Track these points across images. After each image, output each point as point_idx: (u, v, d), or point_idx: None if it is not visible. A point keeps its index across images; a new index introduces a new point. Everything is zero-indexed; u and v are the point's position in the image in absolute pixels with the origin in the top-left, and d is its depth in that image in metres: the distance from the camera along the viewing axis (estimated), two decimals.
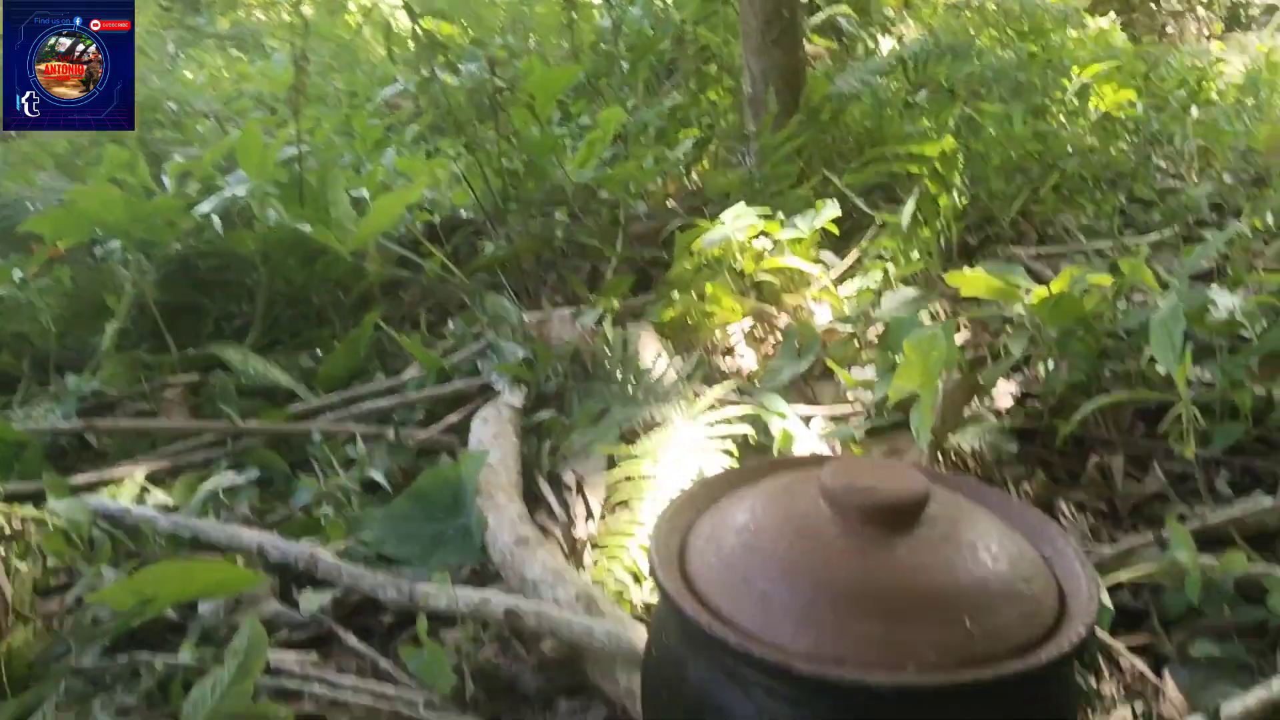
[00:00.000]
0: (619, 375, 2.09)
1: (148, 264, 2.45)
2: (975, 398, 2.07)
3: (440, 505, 1.84)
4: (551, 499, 1.86)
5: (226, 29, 6.85)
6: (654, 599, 1.60)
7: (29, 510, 1.82)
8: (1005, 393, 2.17)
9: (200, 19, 6.93)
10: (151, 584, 1.55)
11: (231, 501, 1.93)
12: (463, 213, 3.17)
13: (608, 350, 2.16)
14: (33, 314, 2.48)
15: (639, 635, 1.39)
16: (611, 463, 1.92)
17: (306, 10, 5.81)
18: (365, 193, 2.95)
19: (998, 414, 2.08)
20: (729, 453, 1.84)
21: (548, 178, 3.01)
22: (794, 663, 0.85)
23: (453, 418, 2.14)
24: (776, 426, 2.00)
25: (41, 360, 2.47)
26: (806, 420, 2.09)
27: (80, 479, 2.03)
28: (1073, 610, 0.94)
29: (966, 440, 1.87)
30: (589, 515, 1.80)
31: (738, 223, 2.52)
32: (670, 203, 3.40)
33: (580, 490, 1.85)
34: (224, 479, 1.92)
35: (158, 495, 1.98)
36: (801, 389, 2.29)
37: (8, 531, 1.78)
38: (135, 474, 2.02)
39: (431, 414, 2.20)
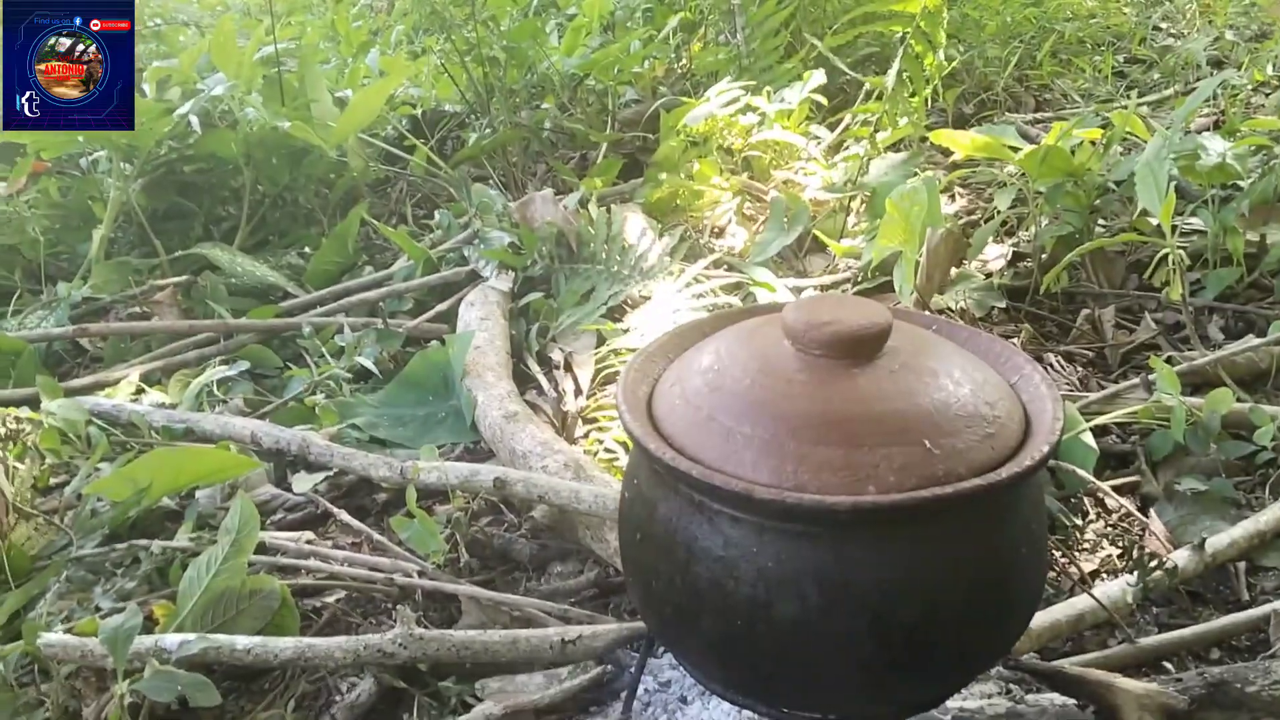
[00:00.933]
0: (604, 254, 2.07)
1: (131, 170, 2.43)
2: (965, 260, 2.05)
3: (430, 388, 1.86)
4: (540, 377, 1.86)
5: None
6: None
7: (24, 411, 1.83)
8: (996, 255, 2.15)
9: None
10: (146, 473, 1.57)
11: (226, 395, 1.94)
12: (447, 107, 3.13)
13: (592, 230, 2.14)
14: (20, 226, 2.47)
15: None
16: (600, 340, 1.93)
17: None
18: (350, 93, 2.91)
19: (988, 276, 2.06)
20: None
21: (531, 65, 2.96)
22: (754, 490, 0.85)
23: (441, 306, 2.14)
24: (764, 298, 1.99)
25: (33, 271, 2.47)
26: (797, 292, 2.08)
27: (76, 383, 2.04)
28: (1037, 431, 0.94)
29: (954, 299, 1.86)
30: (578, 391, 1.80)
31: (722, 97, 2.48)
32: (660, 87, 3.34)
33: (569, 367, 1.85)
34: (215, 372, 1.93)
35: (154, 395, 2.00)
36: (792, 262, 2.28)
37: (3, 433, 1.80)
38: (130, 375, 2.03)
39: (421, 304, 2.20)
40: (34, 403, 1.94)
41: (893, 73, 2.23)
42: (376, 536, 1.52)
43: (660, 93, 3.25)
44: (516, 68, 2.94)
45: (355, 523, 1.56)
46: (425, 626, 1.28)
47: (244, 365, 1.96)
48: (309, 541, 1.51)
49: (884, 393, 0.91)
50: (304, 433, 1.70)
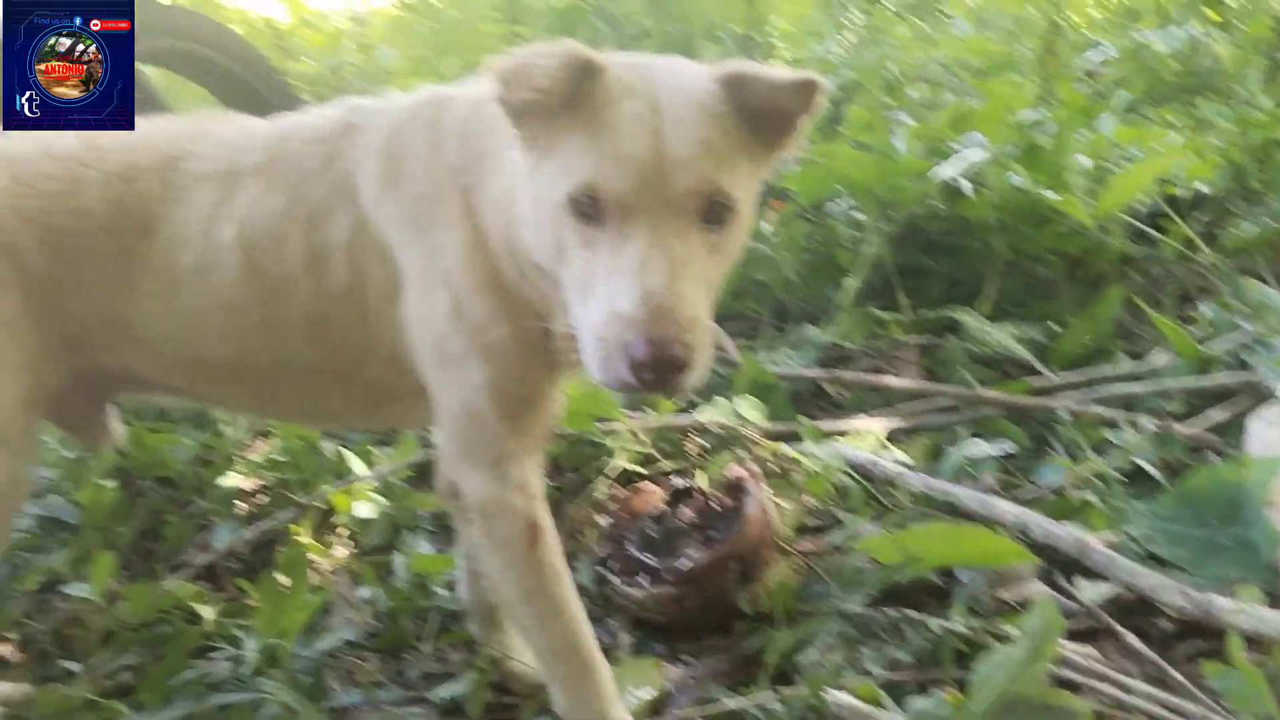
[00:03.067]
0: None
1: (890, 226, 2.49)
2: None
3: (1213, 510, 1.66)
4: None
5: None
6: None
7: (789, 450, 1.92)
8: None
9: None
10: (920, 543, 1.56)
11: (974, 470, 1.89)
12: (1203, 188, 2.85)
13: None
14: (774, 265, 2.64)
15: None
16: None
17: None
18: (1088, 162, 2.76)
19: None
20: None
21: None
22: None
23: (1217, 414, 1.92)
24: None
25: (779, 309, 2.63)
26: None
27: (820, 426, 2.10)
28: None
29: None
30: None
31: None
32: None
33: None
34: (974, 447, 1.88)
35: (895, 452, 2.00)
36: None
37: (775, 470, 1.90)
38: (873, 427, 2.06)
39: (1189, 406, 1.99)
40: (785, 437, 2.03)
41: None
42: (1173, 674, 1.35)
43: None
44: None
45: (1144, 649, 1.41)
46: None
47: (1010, 447, 1.89)
48: (1097, 659, 1.39)
49: None
50: (1081, 535, 1.59)
